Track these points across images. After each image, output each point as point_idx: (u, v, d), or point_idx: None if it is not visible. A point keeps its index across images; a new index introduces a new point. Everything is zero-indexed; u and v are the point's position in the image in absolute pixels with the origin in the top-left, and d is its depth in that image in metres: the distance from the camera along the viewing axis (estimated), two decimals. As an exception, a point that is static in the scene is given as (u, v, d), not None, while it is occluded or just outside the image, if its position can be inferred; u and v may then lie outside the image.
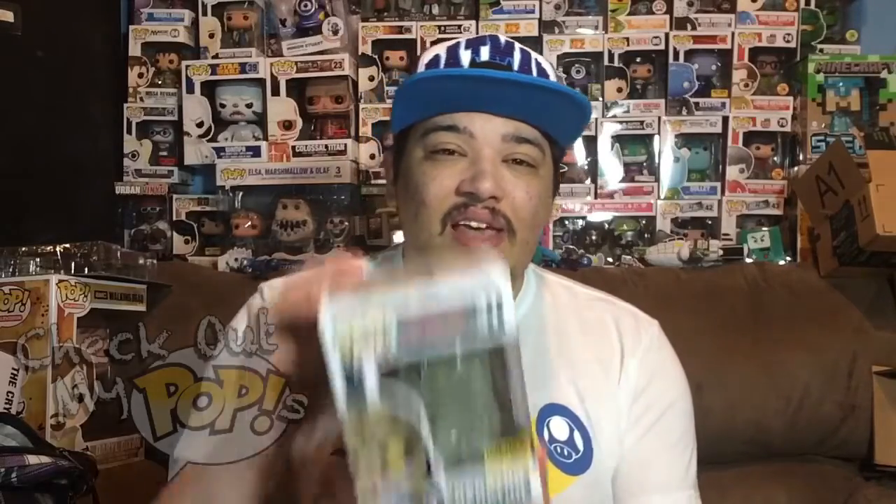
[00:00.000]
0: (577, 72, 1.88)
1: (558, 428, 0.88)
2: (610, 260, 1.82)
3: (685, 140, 1.86)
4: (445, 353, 0.52)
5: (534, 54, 0.90)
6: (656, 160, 1.85)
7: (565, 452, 0.87)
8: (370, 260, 1.00)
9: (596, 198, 1.84)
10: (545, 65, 0.90)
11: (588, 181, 1.85)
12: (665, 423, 0.92)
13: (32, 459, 1.01)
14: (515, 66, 0.87)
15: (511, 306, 0.53)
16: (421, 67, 0.90)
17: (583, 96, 0.85)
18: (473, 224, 0.83)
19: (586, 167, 1.86)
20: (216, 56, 1.90)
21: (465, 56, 0.88)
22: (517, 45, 0.90)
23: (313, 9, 1.87)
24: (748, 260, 1.71)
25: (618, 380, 0.92)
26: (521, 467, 0.52)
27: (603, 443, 0.89)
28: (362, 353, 0.52)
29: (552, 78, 0.89)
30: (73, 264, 1.35)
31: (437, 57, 0.90)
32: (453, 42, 0.91)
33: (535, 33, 1.85)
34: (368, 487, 0.52)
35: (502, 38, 0.90)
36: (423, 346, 0.52)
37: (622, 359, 0.93)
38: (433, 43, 1.85)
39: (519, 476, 0.52)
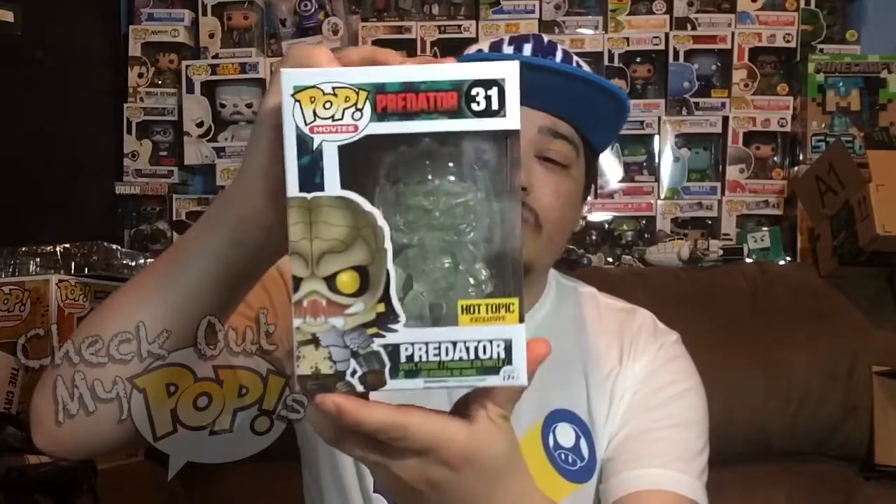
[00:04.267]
0: (577, 72, 1.88)
1: (564, 434, 0.86)
2: (610, 260, 1.82)
3: (685, 140, 1.86)
4: (428, 136, 0.44)
5: (576, 56, 0.90)
6: (656, 160, 1.85)
7: (570, 460, 0.85)
8: None
9: (596, 198, 1.84)
10: (586, 67, 0.90)
11: (588, 181, 1.85)
12: (675, 406, 0.87)
13: (32, 459, 1.01)
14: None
15: (516, 94, 0.44)
16: None
17: (621, 90, 0.84)
18: None
19: (586, 167, 1.86)
20: (216, 56, 1.90)
21: (507, 51, 0.88)
22: (560, 46, 0.89)
23: (313, 9, 1.87)
24: (748, 260, 1.72)
25: (624, 374, 0.89)
26: (503, 332, 0.45)
27: (602, 447, 0.87)
28: (325, 124, 0.43)
29: None
30: (73, 264, 1.35)
31: (479, 52, 0.90)
32: (497, 39, 0.91)
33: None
34: (311, 331, 0.44)
35: (545, 38, 0.90)
36: (401, 119, 0.43)
37: (632, 356, 0.90)
38: (433, 43, 1.86)
39: (499, 343, 0.45)
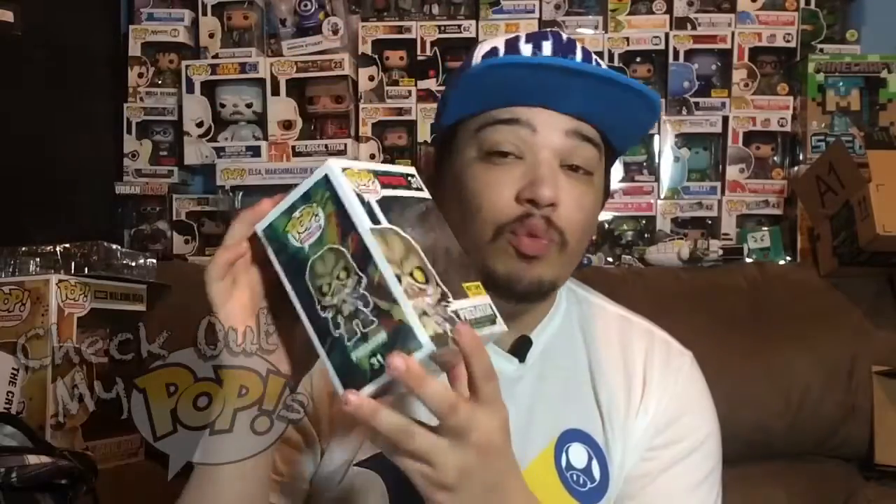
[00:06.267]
0: (577, 72, 1.88)
1: (577, 455, 0.85)
2: (610, 260, 1.82)
3: (685, 140, 1.86)
4: (408, 200, 0.66)
5: (594, 55, 0.87)
6: (656, 160, 1.85)
7: (581, 481, 0.84)
8: None
9: (596, 198, 1.84)
10: (604, 66, 0.87)
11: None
12: (691, 461, 0.87)
13: (32, 459, 1.00)
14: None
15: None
16: (477, 60, 0.86)
17: (655, 94, 0.81)
18: (529, 237, 0.80)
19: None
20: (216, 56, 1.90)
21: (526, 50, 0.85)
22: (579, 44, 0.87)
23: (313, 9, 1.87)
24: (748, 260, 1.71)
25: (636, 413, 0.88)
26: (486, 300, 0.66)
27: (615, 473, 0.86)
28: (361, 188, 0.62)
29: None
30: (73, 264, 1.35)
31: (494, 49, 0.86)
32: (512, 35, 0.88)
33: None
34: (420, 308, 0.58)
35: (564, 35, 0.87)
36: (394, 188, 0.65)
37: (644, 393, 0.89)
38: (433, 43, 1.86)
39: (487, 305, 0.66)
